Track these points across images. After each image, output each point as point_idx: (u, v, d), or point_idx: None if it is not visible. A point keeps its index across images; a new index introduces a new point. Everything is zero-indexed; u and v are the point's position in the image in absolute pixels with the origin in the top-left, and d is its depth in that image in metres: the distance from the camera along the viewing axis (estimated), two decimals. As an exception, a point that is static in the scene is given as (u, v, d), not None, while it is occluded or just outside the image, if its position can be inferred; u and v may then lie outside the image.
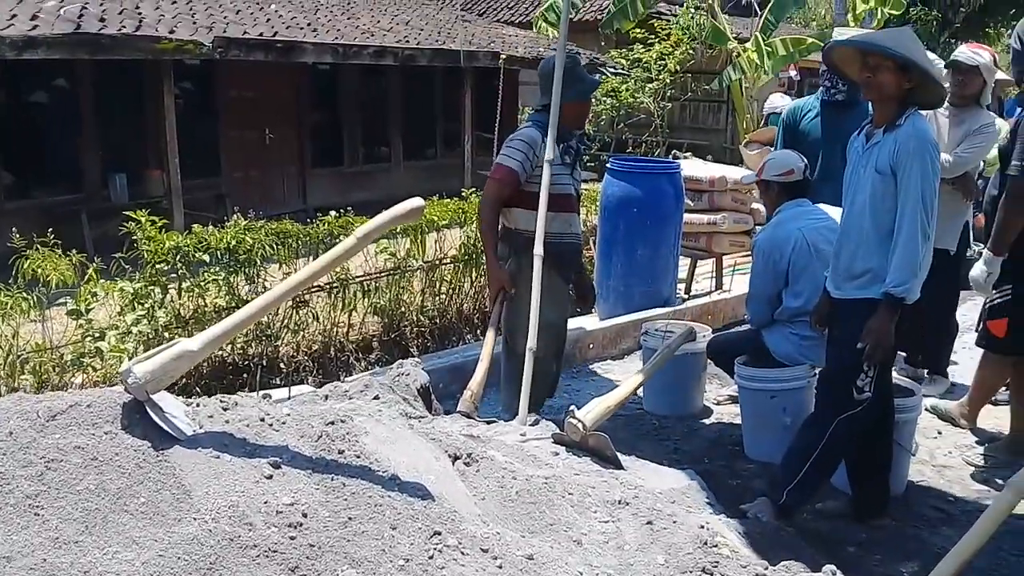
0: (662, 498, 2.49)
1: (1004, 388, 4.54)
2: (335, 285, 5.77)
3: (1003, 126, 4.49)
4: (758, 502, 3.06)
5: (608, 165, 6.23)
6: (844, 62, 3.26)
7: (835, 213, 3.96)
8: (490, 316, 3.70)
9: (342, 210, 6.23)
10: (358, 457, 2.11)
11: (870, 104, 4.28)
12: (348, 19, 12.09)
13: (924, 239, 2.95)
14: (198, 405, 2.18)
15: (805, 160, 4.03)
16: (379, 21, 12.41)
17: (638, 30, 14.12)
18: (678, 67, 16.73)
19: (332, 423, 2.21)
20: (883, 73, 2.98)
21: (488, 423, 3.17)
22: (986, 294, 3.76)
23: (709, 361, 4.42)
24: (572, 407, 2.88)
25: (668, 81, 17.02)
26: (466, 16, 15.48)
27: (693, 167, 7.07)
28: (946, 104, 4.34)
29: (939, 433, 4.24)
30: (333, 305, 5.83)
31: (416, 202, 2.11)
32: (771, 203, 4.02)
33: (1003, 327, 3.81)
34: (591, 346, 5.37)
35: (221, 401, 2.25)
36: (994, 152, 4.34)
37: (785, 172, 3.95)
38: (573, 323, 5.77)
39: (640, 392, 4.58)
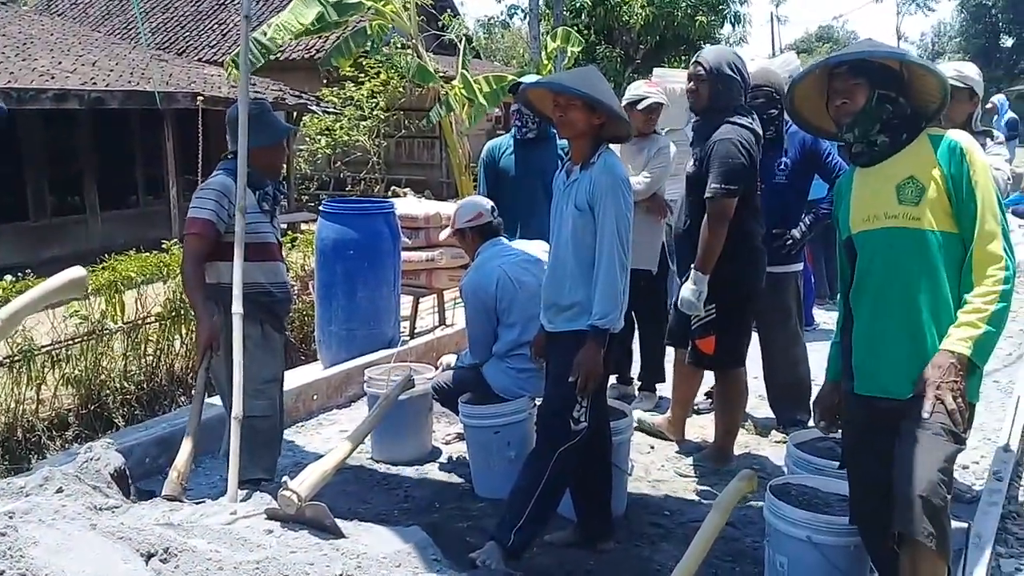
0: (387, 563, 2.37)
1: (708, 399, 4.90)
2: (16, 357, 5.10)
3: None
4: (487, 548, 3.02)
5: (321, 208, 6.06)
6: (538, 102, 3.36)
7: (529, 246, 4.13)
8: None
9: (21, 272, 5.57)
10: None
11: (561, 141, 4.51)
12: (23, 61, 10.95)
13: (622, 271, 3.08)
14: None
15: (491, 202, 4.18)
16: (60, 63, 11.35)
17: (349, 68, 14.08)
18: (390, 105, 16.89)
19: (-12, 539, 1.87)
20: (573, 112, 3.09)
21: (197, 503, 2.88)
22: (700, 312, 3.95)
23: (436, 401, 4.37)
24: (285, 478, 2.68)
25: (382, 118, 17.13)
26: (162, 56, 14.61)
27: (408, 205, 7.09)
28: None
29: (652, 448, 4.46)
30: (16, 380, 5.14)
31: (74, 273, 1.86)
32: (469, 248, 4.12)
33: (712, 344, 4.03)
34: (315, 397, 5.14)
35: None
36: None
37: (474, 217, 4.06)
38: (295, 374, 5.53)
39: (368, 441, 4.45)
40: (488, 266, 3.95)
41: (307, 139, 17.20)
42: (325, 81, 16.89)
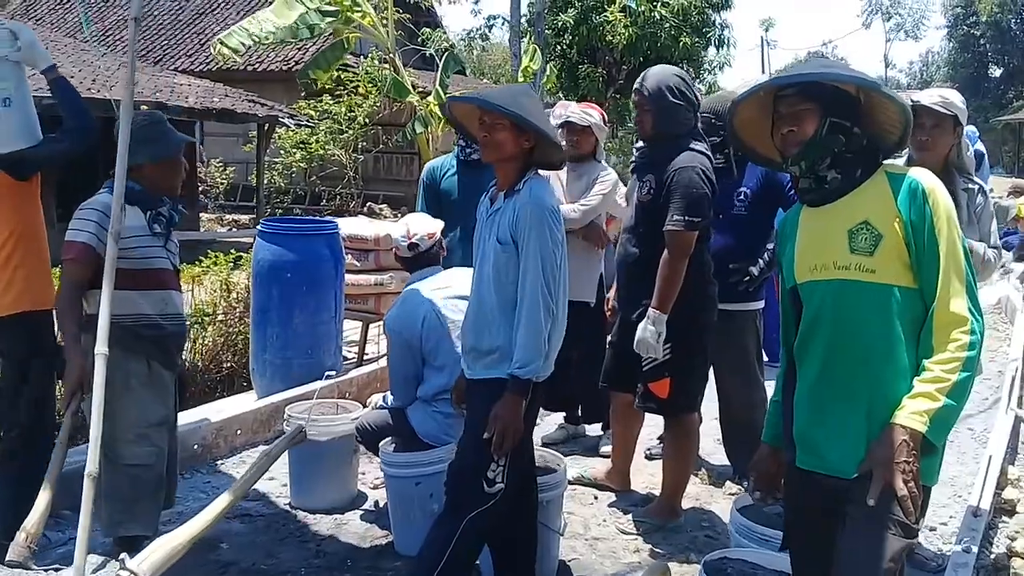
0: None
1: (661, 443, 4.54)
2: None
3: None
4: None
5: (259, 228, 5.69)
6: (466, 120, 3.04)
7: (465, 277, 3.74)
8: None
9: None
10: None
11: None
12: (-21, 63, 10.58)
13: (548, 315, 2.72)
14: None
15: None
16: (19, 67, 10.99)
17: (328, 82, 13.80)
18: (367, 119, 16.58)
19: None
20: (499, 132, 2.77)
21: (46, 570, 2.51)
22: (658, 355, 3.60)
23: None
24: (124, 555, 2.31)
25: (359, 133, 16.81)
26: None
27: (357, 225, 6.68)
28: None
29: (595, 498, 4.09)
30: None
31: None
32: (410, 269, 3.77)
33: (666, 387, 3.69)
34: (238, 432, 4.75)
35: None
36: None
37: (408, 244, 3.68)
38: (220, 405, 5.15)
39: (287, 484, 4.09)
40: (414, 301, 3.57)
41: (281, 152, 16.87)
42: (304, 93, 16.61)
